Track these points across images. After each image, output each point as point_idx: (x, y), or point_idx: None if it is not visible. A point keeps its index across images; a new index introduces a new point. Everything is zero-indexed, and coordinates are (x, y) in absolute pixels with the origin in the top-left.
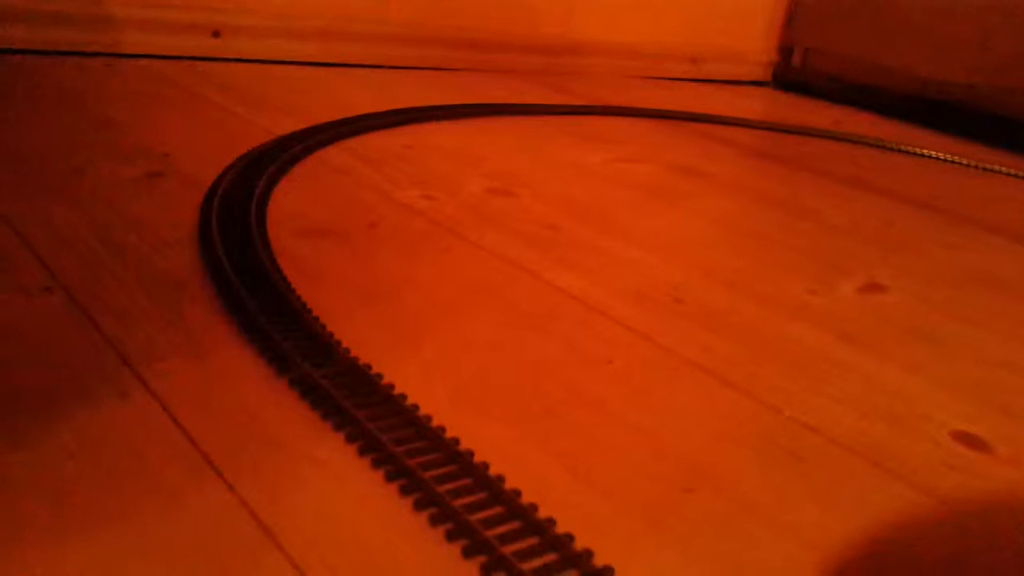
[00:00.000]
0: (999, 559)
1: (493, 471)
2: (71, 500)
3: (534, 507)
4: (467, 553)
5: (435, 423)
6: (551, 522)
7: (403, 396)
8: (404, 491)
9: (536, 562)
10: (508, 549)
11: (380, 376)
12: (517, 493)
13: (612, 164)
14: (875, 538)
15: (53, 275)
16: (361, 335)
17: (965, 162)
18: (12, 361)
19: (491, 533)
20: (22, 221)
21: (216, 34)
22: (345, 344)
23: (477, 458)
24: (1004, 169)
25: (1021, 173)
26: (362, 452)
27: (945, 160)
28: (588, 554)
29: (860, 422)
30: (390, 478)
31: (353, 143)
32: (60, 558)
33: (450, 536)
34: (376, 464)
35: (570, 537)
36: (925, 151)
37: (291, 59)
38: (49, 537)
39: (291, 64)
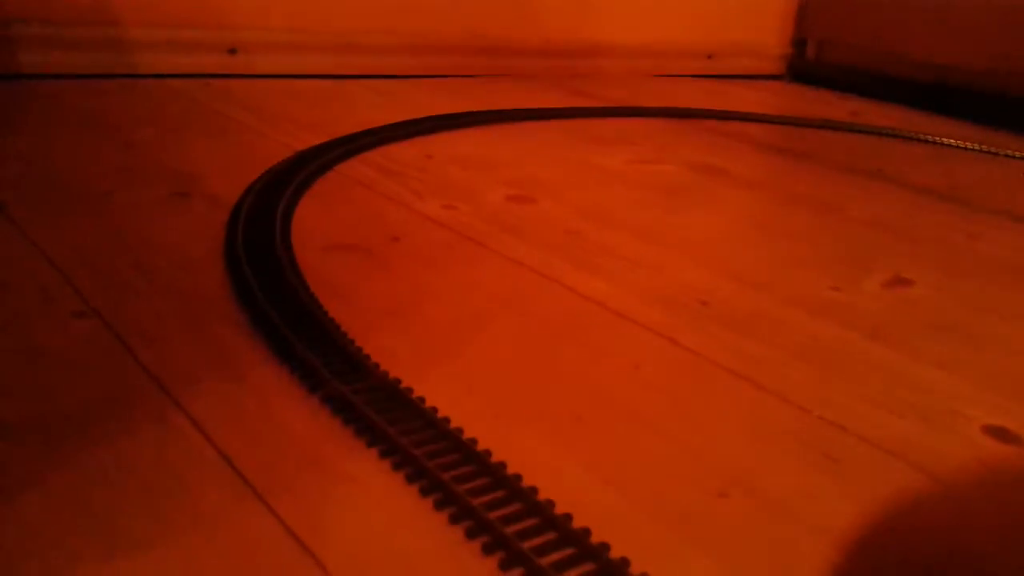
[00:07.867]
0: None
1: (526, 482)
2: (115, 524)
3: (568, 517)
4: (504, 566)
5: (467, 435)
6: (587, 532)
7: (434, 409)
8: (439, 505)
9: (573, 573)
10: (545, 561)
11: (410, 390)
12: (552, 504)
13: (631, 165)
14: (911, 536)
15: (85, 300)
16: (390, 349)
17: (986, 149)
18: (50, 387)
19: (528, 545)
20: (53, 247)
21: (232, 51)
22: (375, 359)
23: (510, 470)
24: None
25: None
26: (396, 467)
27: (966, 148)
28: (625, 563)
29: (891, 420)
30: (424, 492)
31: (373, 155)
32: None
33: (487, 549)
34: (410, 479)
35: (606, 546)
36: (945, 140)
37: (306, 73)
38: (95, 562)
39: (307, 78)
